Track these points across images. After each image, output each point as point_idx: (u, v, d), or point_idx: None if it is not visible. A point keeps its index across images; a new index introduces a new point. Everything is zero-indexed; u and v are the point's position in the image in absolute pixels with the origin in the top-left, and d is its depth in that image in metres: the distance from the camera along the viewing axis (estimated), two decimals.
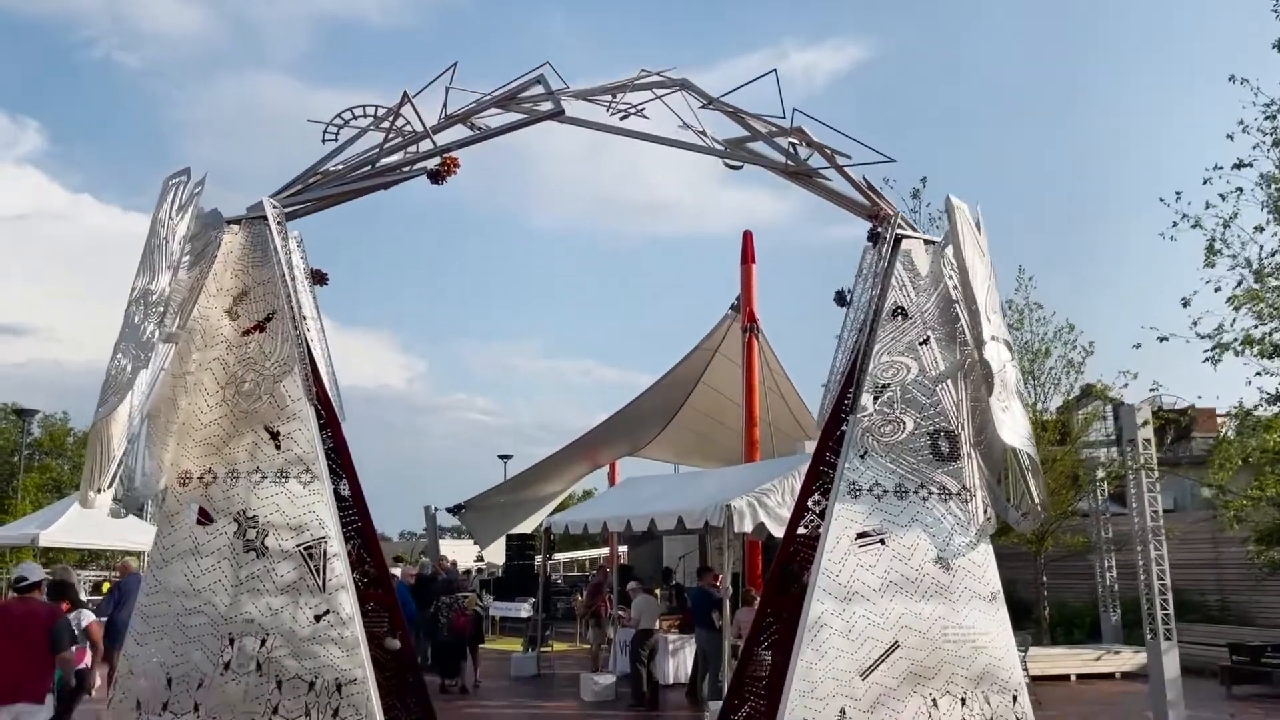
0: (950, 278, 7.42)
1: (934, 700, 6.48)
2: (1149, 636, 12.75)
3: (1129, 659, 16.90)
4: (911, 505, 6.91)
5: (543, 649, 17.52)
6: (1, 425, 38.38)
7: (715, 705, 11.79)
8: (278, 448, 6.80)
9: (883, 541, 6.77)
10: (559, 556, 38.24)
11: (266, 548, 6.55)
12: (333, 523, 6.64)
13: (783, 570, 7.97)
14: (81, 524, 19.56)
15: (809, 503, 7.91)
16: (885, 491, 6.91)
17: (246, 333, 7.06)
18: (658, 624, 14.14)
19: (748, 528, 12.55)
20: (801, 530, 7.94)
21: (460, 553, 36.01)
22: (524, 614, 20.93)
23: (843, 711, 6.27)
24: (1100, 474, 18.66)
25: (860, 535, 6.76)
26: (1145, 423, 12.59)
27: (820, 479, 7.81)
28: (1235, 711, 13.33)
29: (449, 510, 29.27)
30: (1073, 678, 16.37)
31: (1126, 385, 18.81)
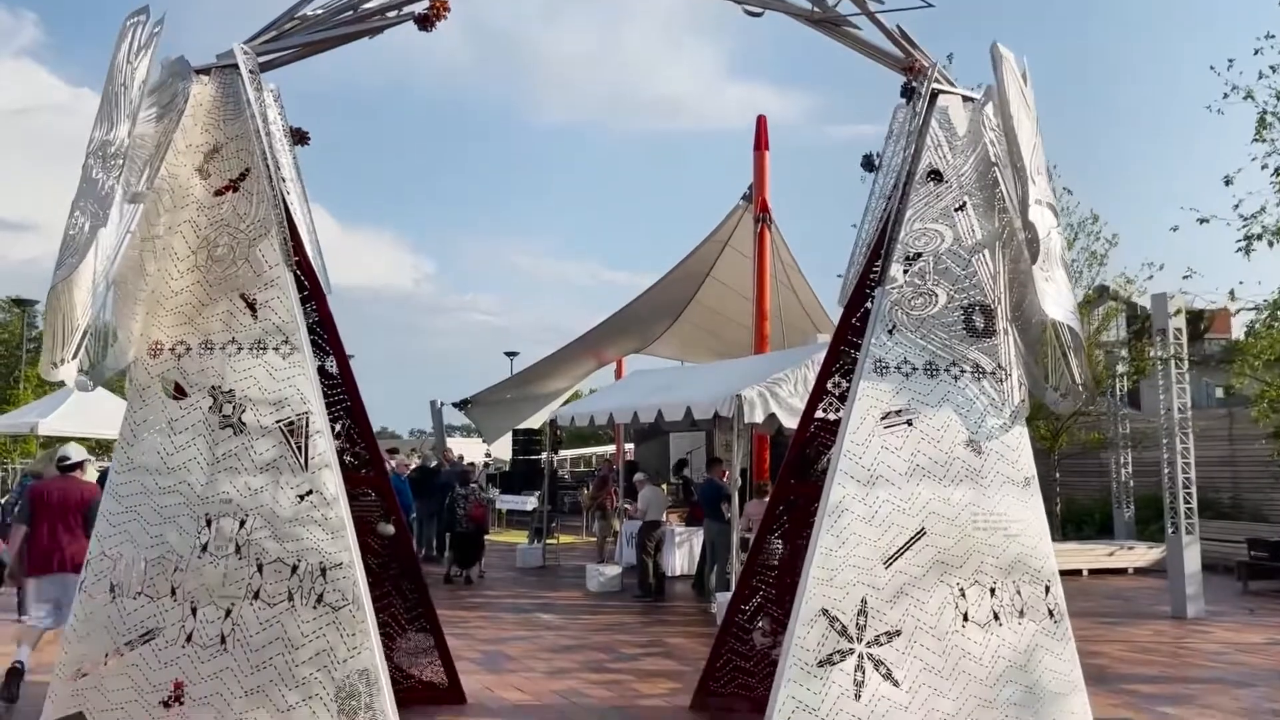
0: (991, 138, 6.70)
1: (961, 590, 6.00)
2: (1170, 530, 12.34)
3: (1142, 554, 16.58)
4: (942, 384, 6.33)
5: (548, 541, 17.26)
6: (5, 319, 37.96)
7: (723, 597, 11.44)
8: (254, 317, 6.22)
9: (910, 423, 6.21)
10: (566, 453, 38.08)
11: (244, 424, 6.02)
12: (315, 398, 6.09)
13: (800, 455, 7.45)
14: (81, 413, 19.22)
15: (828, 384, 7.35)
16: (914, 369, 6.32)
17: (219, 192, 6.42)
18: (664, 516, 13.77)
19: (758, 418, 12.04)
20: (820, 414, 7.39)
21: (469, 450, 35.85)
22: (530, 507, 20.67)
23: (864, 600, 5.79)
24: (1120, 368, 18.09)
25: (886, 416, 6.20)
26: (1178, 311, 11.96)
27: (841, 359, 7.23)
28: (1254, 606, 13.00)
29: (455, 405, 28.91)
30: (1084, 573, 16.07)
31: (1151, 277, 18.15)
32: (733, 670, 7.64)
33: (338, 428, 7.25)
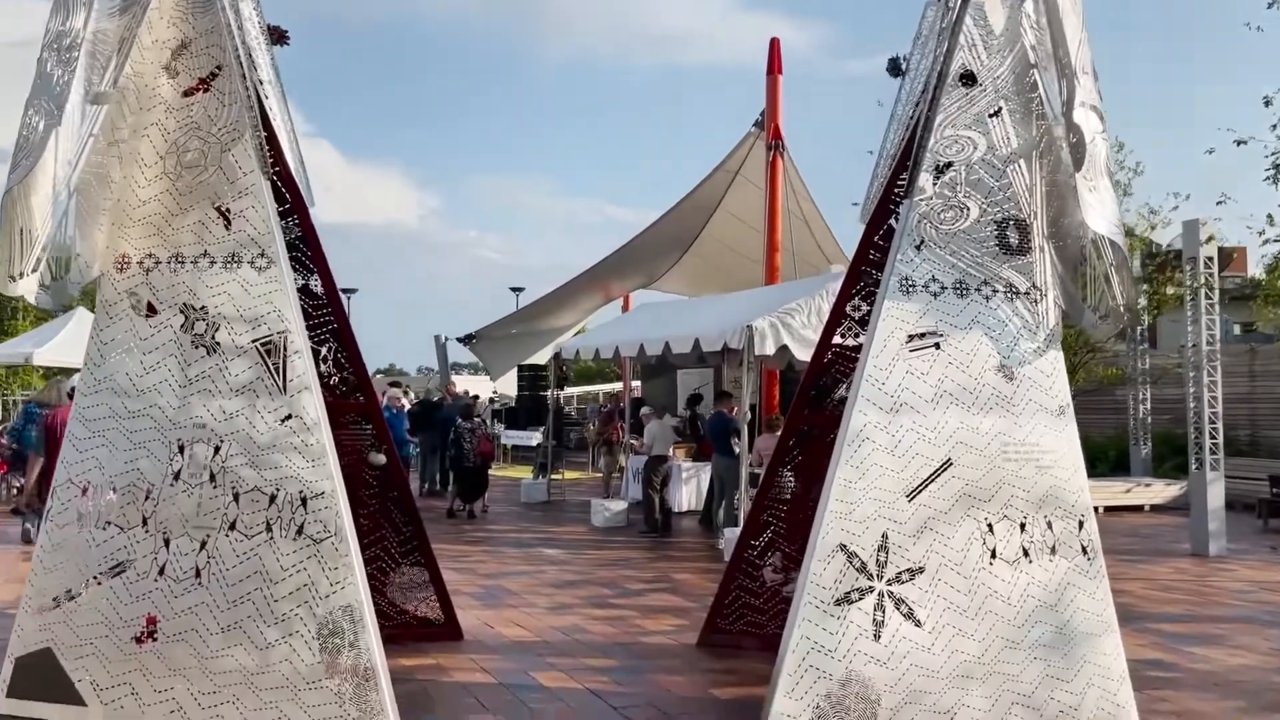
0: (1030, 40, 6.10)
1: (989, 525, 5.56)
2: (1194, 467, 11.91)
3: (1160, 491, 16.19)
4: (972, 305, 5.82)
5: (553, 476, 16.92)
6: None
7: (730, 532, 11.07)
8: (228, 227, 5.71)
9: (938, 345, 5.71)
10: (572, 390, 37.75)
11: (218, 343, 5.55)
12: (294, 316, 5.60)
13: (815, 384, 6.97)
14: (77, 343, 18.78)
15: (848, 308, 6.85)
16: (943, 288, 5.81)
17: (188, 93, 5.86)
18: (670, 451, 13.37)
19: (769, 350, 11.56)
20: (838, 339, 6.91)
21: (476, 388, 35.52)
22: (535, 441, 20.32)
23: (884, 536, 5.35)
24: (1142, 302, 17.53)
25: (912, 338, 5.70)
26: (1209, 239, 11.38)
27: (862, 281, 6.73)
28: (1275, 544, 12.60)
29: (460, 340, 28.45)
30: (1100, 510, 15.68)
31: (1176, 207, 17.51)
32: (741, 607, 7.26)
33: (324, 351, 6.80)
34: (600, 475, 17.58)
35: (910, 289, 5.79)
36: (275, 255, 5.68)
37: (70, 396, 8.06)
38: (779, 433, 11.83)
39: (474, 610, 8.46)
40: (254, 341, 5.55)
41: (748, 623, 7.25)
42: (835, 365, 6.92)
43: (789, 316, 11.66)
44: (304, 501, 5.29)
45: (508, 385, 29.48)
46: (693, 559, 11.34)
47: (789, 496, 7.13)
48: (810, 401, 7.00)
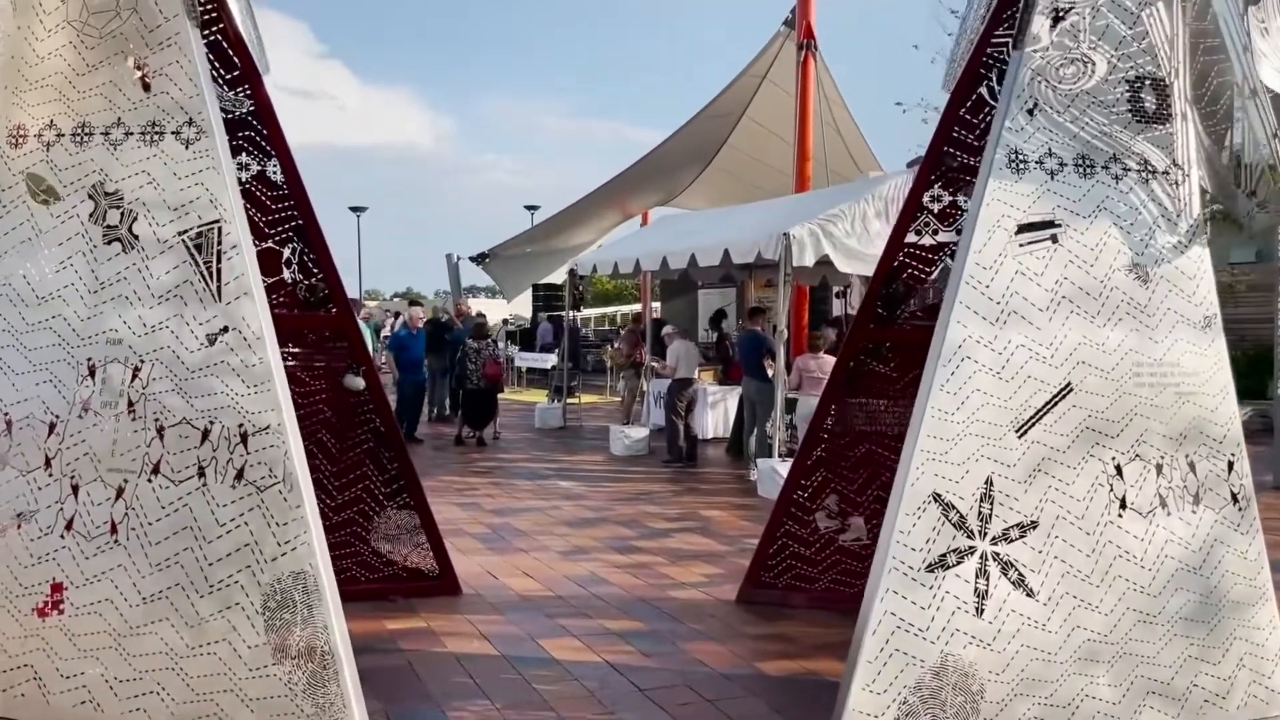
0: None
1: (1117, 467, 4.32)
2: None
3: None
4: (1099, 186, 4.50)
5: (569, 401, 15.76)
6: None
7: (764, 463, 9.90)
8: (147, 89, 4.42)
9: (1055, 239, 4.41)
10: (588, 312, 36.51)
11: (136, 236, 4.30)
12: (232, 202, 4.33)
13: (883, 293, 5.69)
14: None
15: (925, 198, 5.53)
16: (1061, 165, 4.48)
17: None
18: (696, 373, 12.15)
19: (809, 261, 10.25)
20: (912, 237, 5.61)
21: (491, 311, 34.33)
22: (550, 364, 19.15)
23: (989, 482, 4.13)
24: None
25: (1023, 229, 4.40)
26: None
27: (942, 164, 5.40)
28: None
29: (472, 260, 27.13)
30: None
31: None
32: (789, 558, 6.09)
33: (286, 253, 5.56)
34: (620, 399, 16.42)
35: (1021, 165, 4.46)
36: (207, 124, 4.39)
37: None
38: (821, 353, 10.62)
39: (477, 555, 7.34)
40: (180, 234, 4.29)
41: (796, 575, 6.08)
42: (906, 270, 5.64)
43: (830, 224, 10.32)
44: (244, 438, 4.09)
45: (522, 306, 28.27)
46: (723, 493, 10.19)
47: (848, 429, 5.90)
48: (876, 315, 5.73)
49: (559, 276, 26.05)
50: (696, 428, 12.15)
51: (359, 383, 5.73)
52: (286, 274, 5.55)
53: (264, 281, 5.52)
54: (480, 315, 15.02)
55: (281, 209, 5.47)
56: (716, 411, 13.74)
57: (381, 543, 6.03)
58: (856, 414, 5.88)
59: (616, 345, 17.31)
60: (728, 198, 24.04)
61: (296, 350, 5.68)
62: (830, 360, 10.41)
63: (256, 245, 5.37)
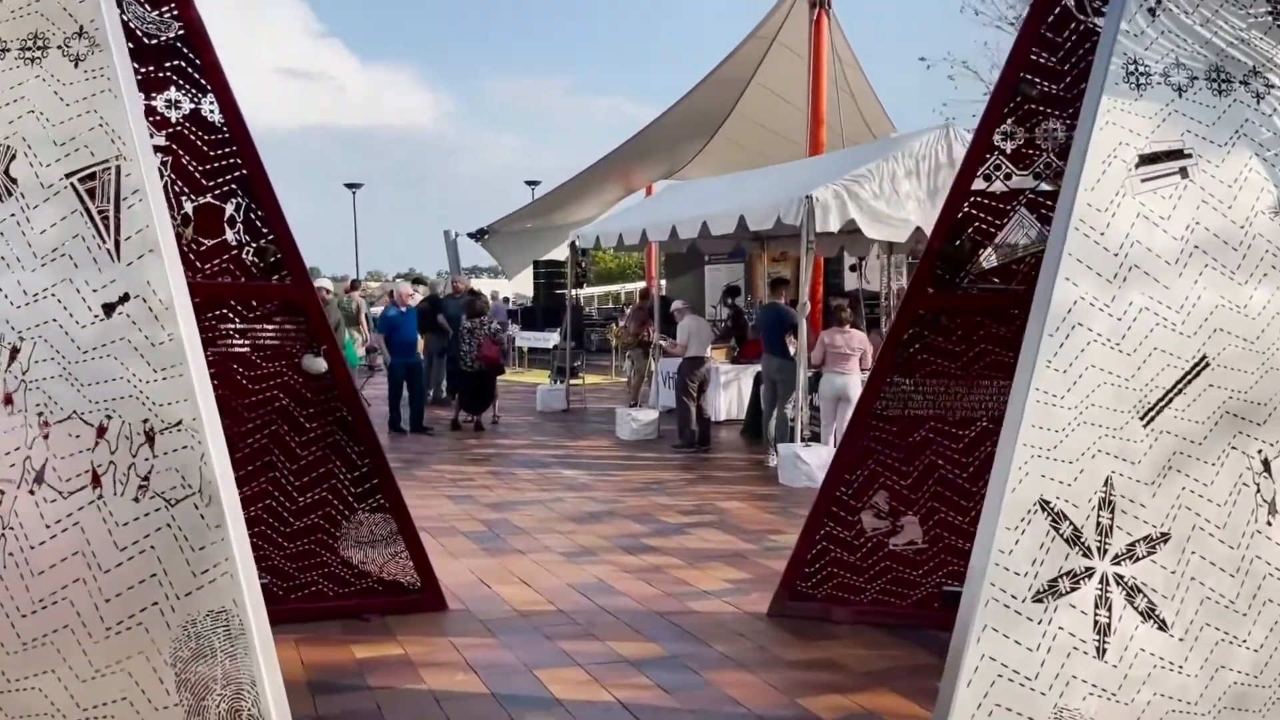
0: None
1: (1265, 462, 3.38)
2: None
3: None
4: (1237, 107, 3.53)
5: (573, 382, 14.82)
6: None
7: (788, 449, 8.97)
8: None
9: (1184, 172, 3.45)
10: (592, 290, 35.53)
11: (14, 180, 3.36)
12: (135, 134, 3.37)
13: (946, 250, 4.73)
14: None
15: (995, 136, 4.57)
16: (1191, 80, 3.52)
17: None
18: (709, 351, 11.19)
19: (833, 226, 9.28)
20: (980, 183, 4.65)
21: (493, 289, 33.37)
22: (552, 343, 18.21)
23: (1109, 483, 3.20)
24: None
25: (1145, 161, 3.44)
26: None
27: (1018, 94, 4.44)
28: None
29: (471, 236, 26.17)
30: None
31: None
32: (831, 564, 5.16)
33: (229, 210, 4.61)
34: (627, 380, 15.48)
35: (1142, 79, 3.49)
36: (103, 36, 3.42)
37: None
38: (847, 326, 9.66)
39: (469, 558, 6.42)
40: (69, 176, 3.34)
41: (839, 585, 5.15)
42: (974, 223, 4.68)
43: (857, 185, 9.33)
44: (149, 437, 3.15)
45: (523, 284, 27.30)
46: (741, 481, 9.26)
47: (901, 413, 4.95)
48: (936, 278, 4.77)
49: (561, 253, 25.08)
50: (709, 409, 11.21)
51: (320, 365, 4.79)
52: (230, 234, 4.60)
53: (204, 244, 4.59)
54: (472, 292, 13.98)
55: (222, 156, 4.52)
56: (729, 392, 12.80)
57: (352, 552, 5.10)
58: (911, 395, 4.93)
59: (623, 324, 16.30)
60: (735, 169, 22.97)
61: (243, 326, 4.74)
62: (858, 335, 9.46)
63: (193, 200, 4.43)
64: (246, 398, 4.76)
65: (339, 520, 5.05)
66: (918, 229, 9.72)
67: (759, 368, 12.47)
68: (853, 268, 17.93)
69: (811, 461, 8.87)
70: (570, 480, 9.22)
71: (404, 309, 12.31)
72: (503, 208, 24.93)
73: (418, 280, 17.54)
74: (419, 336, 15.60)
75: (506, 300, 28.64)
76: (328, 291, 9.59)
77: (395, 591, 5.19)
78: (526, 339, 21.23)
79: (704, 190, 13.08)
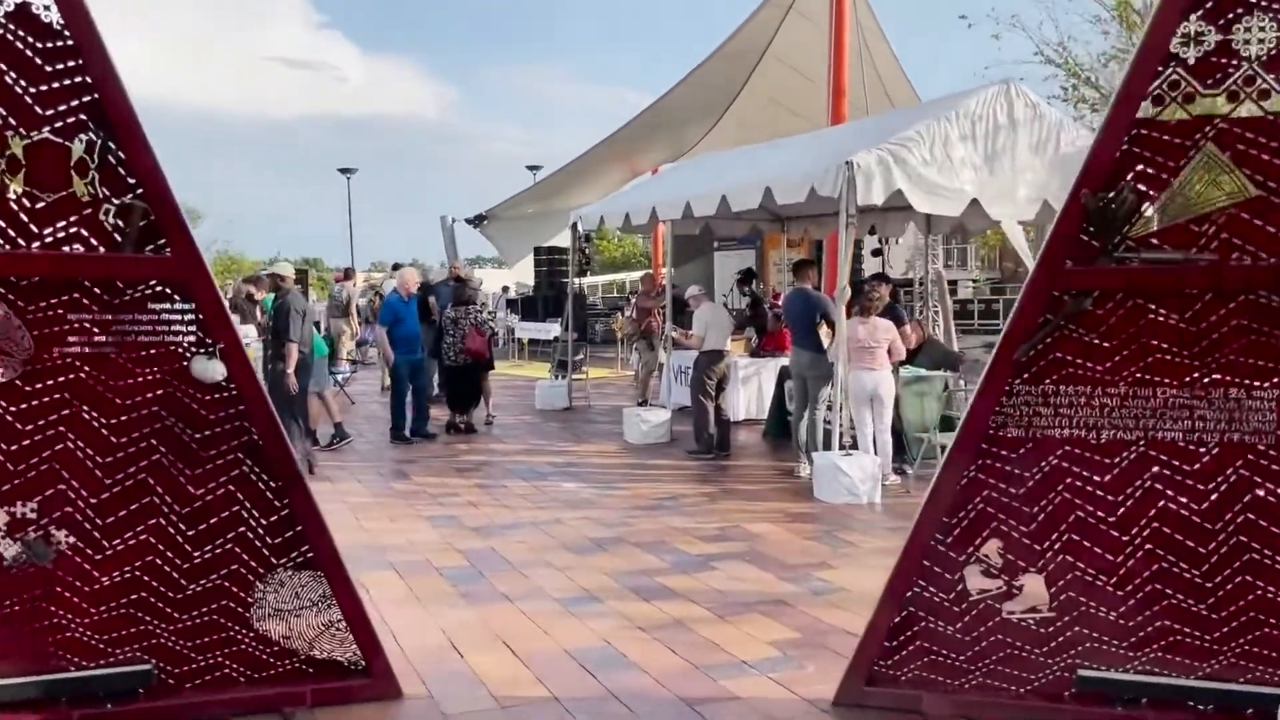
0: None
1: None
2: None
3: None
4: None
5: (575, 377, 13.41)
6: None
7: (825, 459, 7.58)
8: None
9: None
10: (596, 279, 34.08)
11: None
12: None
13: (1096, 204, 3.31)
14: None
15: (1173, 43, 3.16)
16: None
17: None
18: (728, 343, 9.78)
19: (876, 197, 7.84)
20: (1149, 108, 3.23)
21: (494, 280, 31.95)
22: (554, 334, 16.80)
23: None
24: None
25: None
26: None
27: None
28: None
29: (468, 222, 24.77)
30: None
31: None
32: (922, 638, 3.75)
33: (77, 150, 3.20)
34: (634, 376, 14.07)
35: None
36: None
37: None
38: (873, 315, 8.24)
39: (442, 607, 5.03)
40: None
41: (933, 666, 3.74)
42: (1137, 166, 3.26)
43: (904, 150, 7.90)
44: None
45: (524, 272, 25.90)
46: (769, 495, 7.85)
47: (1024, 433, 3.54)
48: (1079, 245, 3.36)
49: (564, 239, 23.62)
50: (728, 409, 9.79)
51: (216, 369, 3.38)
52: (80, 185, 3.19)
53: (42, 200, 3.20)
54: (458, 279, 12.48)
55: (64, 74, 3.11)
56: (749, 388, 11.39)
57: (271, 623, 3.70)
58: (1039, 409, 3.51)
59: (627, 314, 14.78)
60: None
61: (105, 317, 3.33)
62: (883, 324, 8.03)
63: (24, 137, 3.05)
64: (112, 417, 3.36)
65: (251, 582, 3.64)
66: (973, 202, 8.30)
67: (782, 361, 11.07)
68: (876, 251, 16.49)
69: (854, 474, 7.46)
70: (571, 495, 7.82)
71: (407, 298, 10.58)
72: (506, 195, 23.50)
73: (394, 266, 16.07)
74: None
75: (506, 289, 27.21)
76: (280, 278, 8.18)
77: (330, 674, 3.79)
78: (526, 330, 19.83)
79: (722, 163, 11.63)
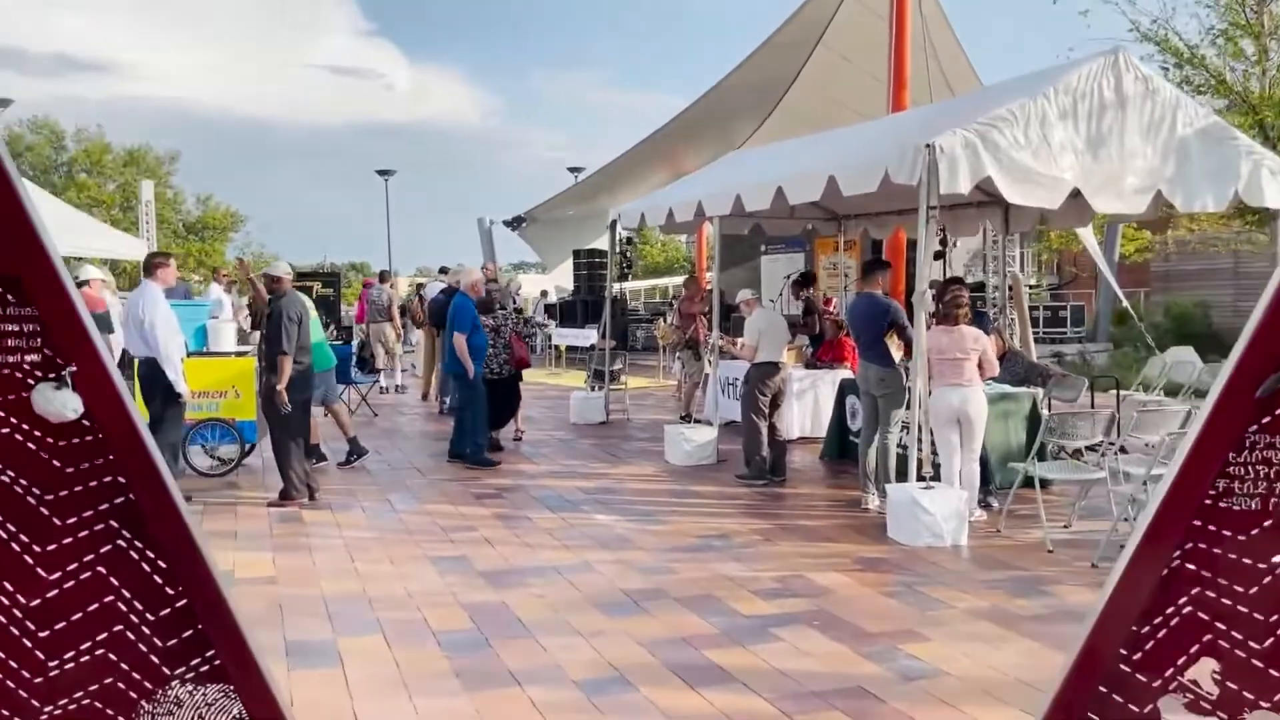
0: None
1: None
2: None
3: None
4: None
5: (613, 388, 12.30)
6: (33, 141, 33.59)
7: (901, 493, 6.37)
8: None
9: None
10: (638, 284, 32.91)
11: None
12: None
13: None
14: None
15: None
16: None
17: None
18: (785, 355, 8.59)
19: (962, 185, 6.64)
20: None
21: (532, 285, 30.99)
22: (591, 342, 15.70)
23: None
24: None
25: None
26: None
27: None
28: None
29: (506, 224, 23.84)
30: None
31: None
32: None
33: None
34: (677, 386, 12.95)
35: None
36: None
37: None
38: (961, 323, 7.03)
39: (429, 696, 3.93)
40: None
41: None
42: None
43: (994, 130, 6.69)
44: None
45: (564, 276, 24.85)
46: (835, 533, 6.66)
47: (1262, 504, 2.34)
48: None
49: (604, 243, 22.52)
50: (783, 428, 8.59)
51: (66, 403, 2.29)
52: None
53: None
54: (492, 282, 11.34)
55: None
56: (804, 403, 10.19)
57: None
58: None
59: (670, 321, 13.59)
60: None
61: None
62: (970, 333, 6.81)
63: None
64: None
65: (134, 701, 2.55)
66: (1075, 193, 7.06)
67: (843, 373, 9.87)
68: (938, 254, 15.20)
69: (936, 511, 6.26)
70: (603, 531, 6.69)
71: (468, 293, 9.20)
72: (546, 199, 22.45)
73: (441, 269, 15.03)
74: (438, 334, 13.21)
75: (545, 293, 26.16)
76: (275, 280, 7.13)
77: None
78: (564, 337, 18.75)
79: (776, 153, 10.46)
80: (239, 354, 8.63)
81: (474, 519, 6.99)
